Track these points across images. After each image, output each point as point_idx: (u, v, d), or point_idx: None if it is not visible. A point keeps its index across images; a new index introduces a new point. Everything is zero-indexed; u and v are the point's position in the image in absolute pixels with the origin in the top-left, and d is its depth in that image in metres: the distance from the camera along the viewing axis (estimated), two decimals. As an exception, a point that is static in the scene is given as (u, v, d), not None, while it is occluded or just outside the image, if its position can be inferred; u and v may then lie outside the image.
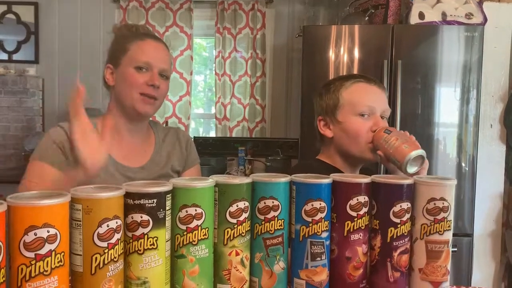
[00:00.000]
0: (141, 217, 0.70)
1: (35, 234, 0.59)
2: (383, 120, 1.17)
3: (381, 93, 1.20)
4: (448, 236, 0.83)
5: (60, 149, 1.22)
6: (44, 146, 1.23)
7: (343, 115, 1.19)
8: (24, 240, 0.58)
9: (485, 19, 2.49)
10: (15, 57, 3.44)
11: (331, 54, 2.49)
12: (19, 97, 3.30)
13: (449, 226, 0.83)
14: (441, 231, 0.82)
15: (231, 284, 0.79)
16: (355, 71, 2.47)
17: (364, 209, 0.83)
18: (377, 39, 2.48)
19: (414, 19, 2.51)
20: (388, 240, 0.83)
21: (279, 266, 0.82)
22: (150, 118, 1.41)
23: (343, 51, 2.48)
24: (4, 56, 3.44)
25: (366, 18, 2.75)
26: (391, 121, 2.39)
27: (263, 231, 0.81)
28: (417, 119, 2.47)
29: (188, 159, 1.43)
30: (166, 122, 3.39)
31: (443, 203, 0.82)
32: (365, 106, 1.16)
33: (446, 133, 2.48)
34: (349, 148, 1.20)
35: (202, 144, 3.37)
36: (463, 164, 2.49)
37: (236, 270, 0.79)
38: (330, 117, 1.22)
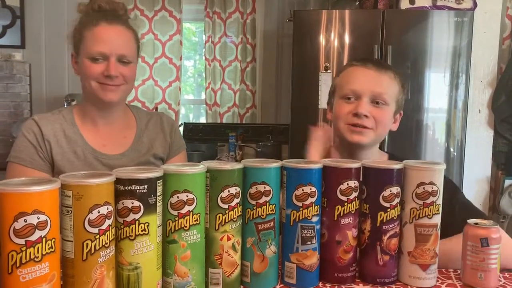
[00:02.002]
0: (132, 203, 0.70)
1: (25, 221, 0.58)
2: (376, 105, 1.12)
3: (377, 77, 1.13)
4: (437, 219, 0.85)
5: (32, 145, 1.19)
6: (18, 145, 1.20)
7: (335, 99, 1.19)
8: (14, 227, 0.58)
9: (475, 4, 2.50)
10: (0, 42, 3.36)
11: (322, 39, 2.48)
12: (6, 82, 3.23)
13: (438, 210, 0.84)
14: (430, 215, 0.84)
15: (222, 269, 0.80)
16: (346, 57, 2.47)
17: (354, 194, 0.84)
18: (367, 24, 2.47)
19: (404, 4, 2.50)
20: (378, 224, 0.84)
21: (271, 250, 0.83)
22: (126, 103, 1.36)
23: (334, 36, 2.47)
24: (-11, 41, 3.37)
25: (357, 3, 2.74)
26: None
27: (254, 216, 0.81)
28: (406, 104, 2.47)
29: (172, 146, 1.38)
30: (156, 108, 3.36)
31: (432, 187, 0.83)
32: (348, 90, 1.13)
33: (435, 118, 2.50)
34: (334, 131, 1.20)
35: (192, 130, 3.35)
36: (452, 149, 2.52)
37: (228, 255, 0.80)
38: (330, 101, 1.24)
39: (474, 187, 2.68)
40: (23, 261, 0.59)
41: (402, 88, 1.18)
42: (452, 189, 1.12)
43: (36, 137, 1.20)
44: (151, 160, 1.31)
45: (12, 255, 0.58)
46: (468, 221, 0.87)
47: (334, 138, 1.23)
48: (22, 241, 0.59)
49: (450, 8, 2.47)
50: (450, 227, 0.94)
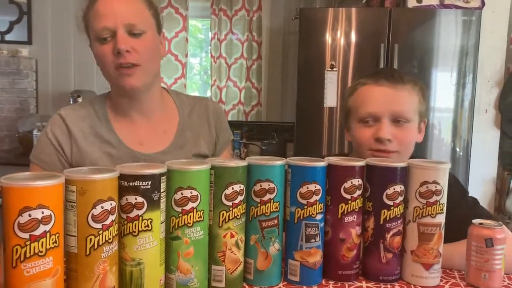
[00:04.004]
0: (136, 199, 0.70)
1: (30, 215, 0.59)
2: (397, 124, 1.05)
3: (393, 94, 1.05)
4: (441, 219, 0.84)
5: (54, 146, 1.09)
6: (40, 143, 1.11)
7: (351, 121, 1.12)
8: (19, 221, 0.58)
9: (483, 3, 2.47)
10: (7, 37, 3.38)
11: (328, 38, 2.47)
12: (12, 78, 3.25)
13: (441, 209, 0.84)
14: (433, 214, 0.83)
15: (225, 266, 0.80)
16: (352, 55, 2.46)
17: (358, 192, 0.83)
18: (374, 22, 2.46)
19: (411, 3, 2.48)
20: (381, 222, 0.84)
21: (274, 247, 0.82)
22: (165, 88, 1.20)
23: (340, 34, 2.46)
24: (-4, 37, 3.39)
25: (364, 1, 2.72)
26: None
27: (259, 214, 0.81)
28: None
29: (218, 141, 1.20)
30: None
31: (436, 187, 0.83)
32: (365, 113, 1.06)
33: (441, 118, 2.48)
34: (356, 155, 1.12)
35: (197, 127, 3.35)
36: (458, 149, 2.51)
37: (231, 252, 0.80)
38: (346, 122, 1.17)
39: (480, 187, 2.66)
40: (27, 255, 0.59)
41: (422, 98, 1.10)
42: (461, 191, 1.10)
43: (58, 138, 1.08)
44: (197, 159, 1.15)
45: (17, 249, 0.59)
46: (473, 221, 0.87)
47: None
48: (26, 236, 0.59)
49: (457, 7, 2.46)
50: (458, 231, 0.93)
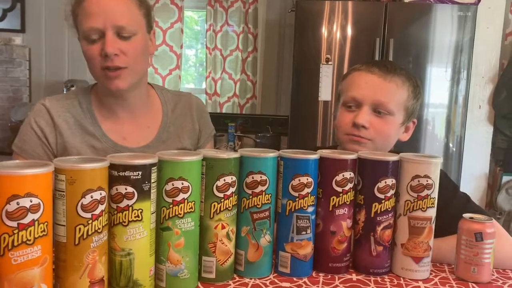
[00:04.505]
0: (126, 189, 0.69)
1: (18, 204, 0.58)
2: (378, 115, 1.04)
3: (381, 83, 1.04)
4: (431, 213, 0.85)
5: (38, 137, 1.07)
6: (23, 133, 1.09)
7: (339, 106, 1.12)
8: (7, 209, 0.58)
9: (479, -1, 2.48)
10: (0, 25, 3.34)
11: (324, 31, 2.46)
12: (5, 67, 3.22)
13: (432, 203, 0.84)
14: (424, 208, 0.84)
15: (216, 257, 0.80)
16: (348, 49, 2.45)
17: (350, 185, 0.84)
18: (370, 16, 2.45)
19: (408, -3, 2.48)
20: (372, 215, 0.84)
21: (266, 239, 0.83)
22: (150, 83, 1.20)
23: (336, 28, 2.45)
24: (-11, 25, 3.35)
25: (360, -5, 2.71)
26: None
27: (250, 205, 0.81)
28: (407, 98, 2.47)
29: (201, 136, 1.23)
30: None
31: (427, 181, 0.83)
32: (349, 97, 1.06)
33: (435, 114, 2.49)
34: (337, 140, 1.14)
35: (191, 119, 3.34)
36: (451, 145, 2.52)
37: (222, 243, 0.80)
38: (336, 108, 1.16)
39: (472, 183, 2.68)
40: (15, 243, 0.59)
41: (412, 94, 1.07)
42: (452, 187, 1.10)
43: (42, 129, 1.07)
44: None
45: (4, 238, 0.58)
46: (464, 215, 0.87)
47: (338, 148, 1.14)
48: (14, 224, 0.58)
49: (453, 2, 2.45)
50: (448, 225, 0.93)
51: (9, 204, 0.58)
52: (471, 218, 0.86)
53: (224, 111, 3.44)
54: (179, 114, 1.20)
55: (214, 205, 0.78)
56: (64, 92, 3.05)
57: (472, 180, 2.68)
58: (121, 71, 1.02)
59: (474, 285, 0.84)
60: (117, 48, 1.00)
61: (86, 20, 1.00)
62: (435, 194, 0.84)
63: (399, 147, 1.12)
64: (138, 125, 1.14)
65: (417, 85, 1.09)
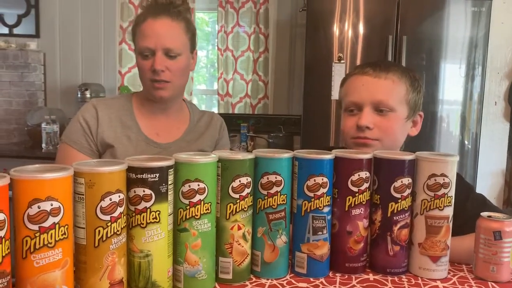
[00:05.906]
0: (144, 191, 0.70)
1: (39, 207, 0.59)
2: (381, 113, 1.04)
3: (375, 83, 1.05)
4: (448, 212, 0.84)
5: (83, 129, 1.25)
6: (72, 125, 1.27)
7: (342, 112, 1.14)
8: (28, 213, 0.59)
9: (493, -6, 2.44)
10: (15, 31, 3.39)
11: (336, 29, 2.45)
12: (21, 71, 3.27)
13: (449, 202, 0.83)
14: (441, 207, 0.83)
15: (233, 258, 0.80)
16: (360, 47, 2.44)
17: (365, 185, 0.83)
18: (382, 13, 2.43)
19: (420, -7, 2.46)
20: (389, 215, 0.84)
21: (281, 240, 0.83)
22: (184, 99, 1.42)
23: (348, 25, 2.44)
24: (5, 30, 3.40)
25: (372, -8, 2.69)
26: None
27: (266, 206, 0.81)
28: (421, 95, 2.44)
29: (219, 143, 1.43)
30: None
31: (443, 179, 0.82)
32: (348, 102, 1.08)
33: (449, 111, 2.46)
34: (344, 144, 1.15)
35: (204, 120, 3.35)
36: (466, 142, 2.49)
37: (238, 244, 0.80)
38: (339, 114, 1.18)
39: (489, 180, 2.64)
40: (37, 246, 0.60)
41: (411, 87, 1.07)
42: (467, 188, 1.08)
43: (87, 122, 1.25)
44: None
45: (26, 241, 0.60)
46: (481, 214, 0.86)
47: None
48: (36, 227, 0.60)
49: (467, -2, 2.42)
50: (465, 226, 0.93)
51: (31, 208, 0.59)
52: (489, 216, 0.85)
53: (236, 111, 3.45)
54: (202, 124, 1.41)
55: (230, 206, 0.79)
56: (79, 96, 3.12)
57: (489, 178, 2.64)
58: (166, 84, 1.23)
59: (493, 284, 0.83)
60: (164, 66, 1.21)
61: (142, 40, 1.22)
62: (452, 193, 0.83)
63: (413, 145, 1.11)
64: (170, 125, 1.34)
65: (415, 79, 1.09)
